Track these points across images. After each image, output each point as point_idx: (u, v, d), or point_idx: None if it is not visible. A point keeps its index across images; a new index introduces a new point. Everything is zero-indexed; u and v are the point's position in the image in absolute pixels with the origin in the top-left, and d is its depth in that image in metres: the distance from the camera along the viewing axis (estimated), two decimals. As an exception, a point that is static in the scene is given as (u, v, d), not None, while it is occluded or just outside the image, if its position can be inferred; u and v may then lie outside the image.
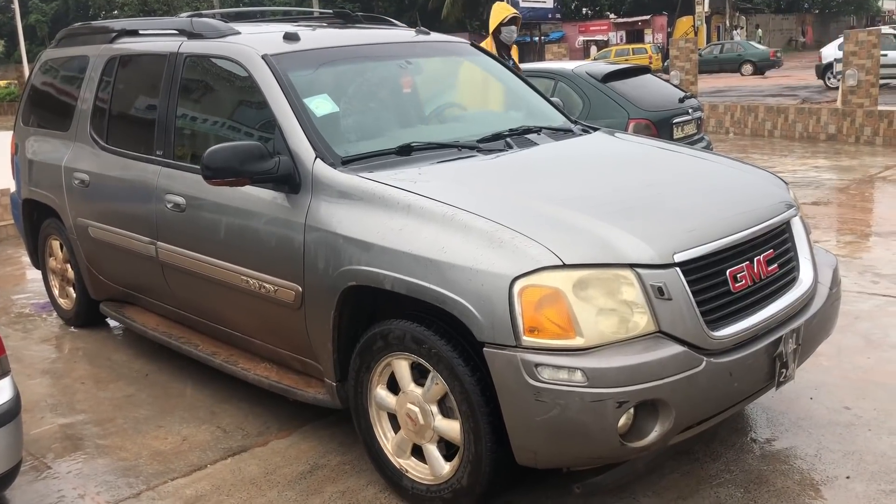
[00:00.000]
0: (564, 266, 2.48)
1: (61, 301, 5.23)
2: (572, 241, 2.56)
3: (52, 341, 5.01)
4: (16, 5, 31.71)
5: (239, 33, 3.78)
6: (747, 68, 32.37)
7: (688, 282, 2.58)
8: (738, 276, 2.76)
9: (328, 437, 3.52)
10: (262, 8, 5.18)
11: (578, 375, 2.41)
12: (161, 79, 3.97)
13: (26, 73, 21.17)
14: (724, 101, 16.42)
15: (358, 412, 3.07)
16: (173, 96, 3.89)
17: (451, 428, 2.76)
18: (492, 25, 6.36)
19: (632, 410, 2.47)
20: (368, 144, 3.35)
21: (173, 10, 45.67)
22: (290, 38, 3.66)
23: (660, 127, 6.86)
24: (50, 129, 4.89)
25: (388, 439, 3.02)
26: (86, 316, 5.03)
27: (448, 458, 2.83)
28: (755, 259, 2.84)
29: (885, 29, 20.55)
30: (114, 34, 4.55)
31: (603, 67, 7.33)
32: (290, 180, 3.15)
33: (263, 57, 3.47)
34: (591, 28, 48.13)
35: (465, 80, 4.35)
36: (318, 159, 3.13)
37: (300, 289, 3.11)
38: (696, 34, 38.27)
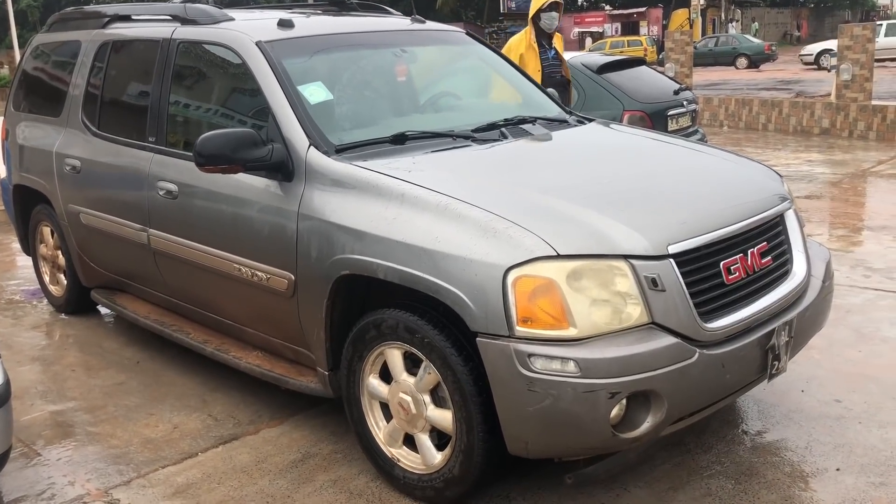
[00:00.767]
0: (558, 256, 2.48)
1: (52, 288, 5.20)
2: (566, 232, 2.55)
3: (42, 328, 4.98)
4: (7, -10, 31.39)
5: (233, 19, 3.75)
6: (742, 61, 32.38)
7: (681, 273, 2.57)
8: (732, 268, 2.75)
9: (320, 426, 3.52)
10: (256, -6, 5.15)
11: (571, 366, 2.41)
12: (154, 65, 3.94)
13: (17, 58, 21.01)
14: (719, 94, 16.42)
15: (350, 401, 3.06)
16: (166, 82, 3.87)
17: (444, 417, 2.76)
18: (531, 11, 5.97)
19: (624, 401, 2.47)
20: (362, 133, 3.33)
21: (167, -4, 45.36)
22: (285, 24, 3.64)
23: (654, 119, 6.86)
24: (41, 115, 4.85)
25: (380, 428, 3.02)
26: (76, 303, 5.01)
27: (440, 447, 2.83)
28: (749, 251, 2.84)
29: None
30: (106, 19, 4.51)
31: (598, 59, 7.32)
32: (283, 168, 3.13)
33: (257, 44, 3.45)
34: (587, 19, 48.03)
35: (460, 69, 4.33)
36: (311, 147, 3.11)
37: (293, 277, 3.09)
38: (691, 27, 38.26)
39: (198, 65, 3.94)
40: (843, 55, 12.00)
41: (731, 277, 2.74)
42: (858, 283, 5.17)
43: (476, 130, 3.41)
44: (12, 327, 4.99)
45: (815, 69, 27.02)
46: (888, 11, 61.89)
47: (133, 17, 4.40)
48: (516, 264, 2.47)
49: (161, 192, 3.73)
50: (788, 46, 46.85)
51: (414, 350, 2.77)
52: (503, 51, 5.80)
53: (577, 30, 46.48)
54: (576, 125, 3.85)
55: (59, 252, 4.95)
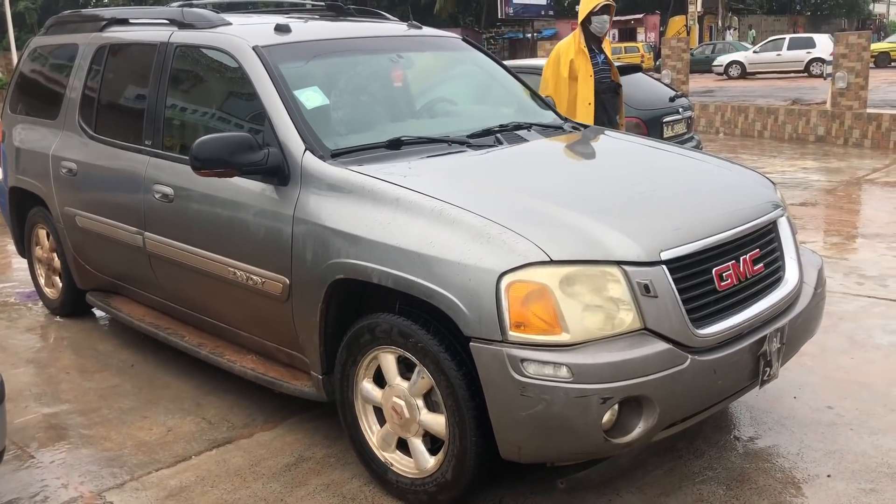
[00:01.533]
0: (552, 262, 2.49)
1: (47, 290, 5.20)
2: (560, 238, 2.57)
3: (37, 331, 4.99)
4: (5, -8, 31.36)
5: (230, 24, 3.76)
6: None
7: (674, 279, 2.59)
8: (724, 274, 2.77)
9: (313, 429, 3.52)
10: (254, 0, 5.17)
11: (564, 371, 2.42)
12: (151, 68, 3.95)
13: (14, 60, 20.99)
14: (715, 101, 16.47)
15: (344, 405, 3.07)
16: (163, 86, 3.88)
17: (437, 422, 2.77)
18: (581, 14, 5.64)
19: (616, 406, 2.48)
20: (358, 138, 3.35)
21: (165, -1, 45.39)
22: (282, 29, 3.65)
23: (650, 125, 6.90)
24: (38, 117, 4.86)
25: (373, 433, 3.02)
26: (72, 305, 5.01)
27: (433, 452, 2.84)
28: (741, 258, 2.86)
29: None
30: (104, 22, 4.52)
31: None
32: (279, 172, 3.14)
33: (254, 48, 3.46)
34: (584, 26, 48.07)
35: (456, 74, 4.35)
36: (307, 152, 3.13)
37: (288, 281, 3.10)
38: (688, 34, 38.37)
39: (195, 69, 3.95)
40: (839, 63, 12.05)
41: (723, 284, 2.76)
42: (852, 290, 5.19)
43: (471, 136, 3.43)
44: (7, 329, 4.99)
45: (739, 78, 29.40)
46: (884, 20, 62.14)
47: (130, 21, 4.42)
48: (510, 269, 2.49)
49: (157, 196, 3.74)
50: (785, 54, 46.94)
51: (408, 354, 2.78)
52: (550, 57, 5.73)
53: (574, 35, 46.53)
54: (571, 131, 3.87)
55: (55, 255, 4.95)
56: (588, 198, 2.93)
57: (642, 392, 2.48)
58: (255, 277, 3.25)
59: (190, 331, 3.97)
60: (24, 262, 5.50)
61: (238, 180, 3.26)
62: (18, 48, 25.03)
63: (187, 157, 3.18)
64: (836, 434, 3.36)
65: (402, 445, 2.95)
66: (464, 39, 4.43)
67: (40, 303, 5.35)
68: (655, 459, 3.18)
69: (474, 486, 2.79)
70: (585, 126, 4.01)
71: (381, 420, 2.99)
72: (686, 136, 7.45)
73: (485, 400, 2.55)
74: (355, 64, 3.84)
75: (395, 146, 3.26)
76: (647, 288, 2.53)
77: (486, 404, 2.55)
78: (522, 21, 43.19)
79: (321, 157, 3.11)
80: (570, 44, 5.67)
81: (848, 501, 2.90)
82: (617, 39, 43.44)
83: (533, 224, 2.62)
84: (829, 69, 12.37)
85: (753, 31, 46.80)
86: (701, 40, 42.23)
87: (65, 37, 4.81)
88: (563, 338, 2.46)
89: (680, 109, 7.46)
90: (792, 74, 28.51)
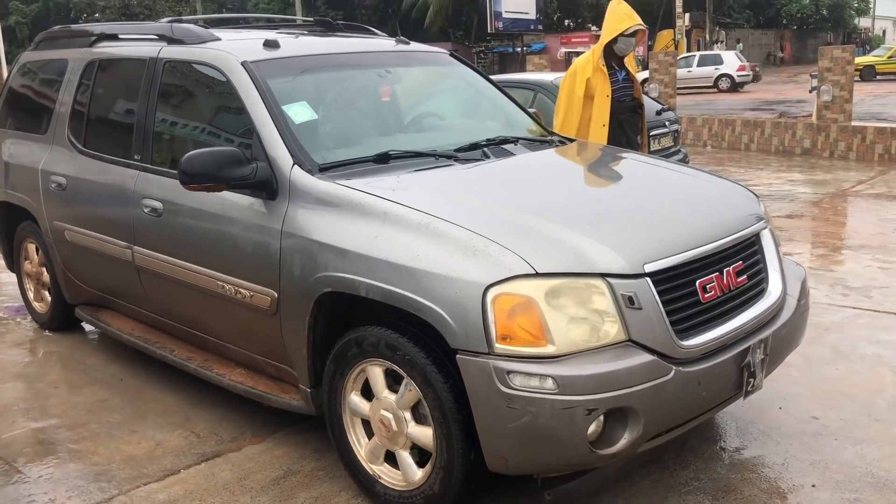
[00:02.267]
0: (537, 275, 2.52)
1: (36, 305, 5.20)
2: (545, 251, 2.60)
3: (25, 345, 4.97)
4: (-5, 6, 31.36)
5: (219, 39, 3.79)
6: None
7: (658, 291, 2.62)
8: (708, 286, 2.80)
9: (302, 442, 3.53)
10: (243, 15, 5.20)
11: (549, 383, 2.44)
12: (140, 83, 3.98)
13: (5, 74, 20.98)
14: (703, 114, 16.59)
15: (332, 418, 3.08)
16: (152, 101, 3.90)
17: (424, 434, 2.78)
18: (610, 32, 5.25)
19: (601, 418, 2.51)
20: (346, 152, 3.38)
21: (155, 14, 45.44)
22: (270, 45, 3.68)
23: (637, 139, 6.92)
24: (27, 132, 4.87)
25: (361, 445, 3.03)
26: (61, 320, 5.00)
27: (421, 464, 2.85)
28: (725, 270, 2.89)
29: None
30: (93, 38, 4.54)
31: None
32: (267, 186, 3.17)
33: (243, 63, 3.49)
34: (573, 39, 48.36)
35: (444, 89, 4.39)
36: (295, 166, 3.15)
37: (276, 295, 3.12)
38: (676, 48, 38.63)
39: (184, 84, 3.97)
40: (824, 77, 12.18)
41: (706, 296, 2.79)
42: (837, 301, 5.24)
43: (459, 150, 3.46)
44: (-5, 344, 4.97)
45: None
46: (869, 34, 62.78)
47: (120, 36, 4.44)
48: (496, 282, 2.51)
49: (146, 210, 3.76)
50: (772, 67, 47.41)
51: (395, 367, 2.80)
52: (567, 73, 5.44)
53: (563, 49, 46.87)
54: (557, 145, 3.91)
55: (44, 269, 4.95)
56: (573, 211, 2.97)
57: (627, 403, 2.50)
58: (243, 291, 3.26)
59: (179, 344, 3.98)
60: (13, 277, 5.49)
61: (227, 194, 3.28)
62: (9, 62, 24.98)
63: (176, 172, 3.20)
64: (821, 444, 3.39)
65: (390, 458, 2.96)
66: (451, 54, 4.47)
67: (29, 317, 5.34)
68: (642, 470, 3.20)
69: (462, 499, 2.80)
70: (571, 139, 4.05)
71: (369, 433, 3.01)
72: (673, 150, 7.52)
73: (472, 412, 2.57)
74: (343, 79, 3.88)
75: (383, 160, 3.29)
76: (631, 300, 2.56)
77: (473, 416, 2.57)
78: (512, 35, 43.39)
79: (309, 172, 3.14)
80: (588, 60, 5.34)
81: (832, 511, 2.93)
82: (606, 53, 43.65)
83: (519, 237, 2.65)
84: (814, 82, 12.48)
85: (741, 44, 47.19)
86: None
87: (54, 52, 4.82)
88: (549, 350, 2.49)
89: (666, 123, 7.53)
90: (704, 90, 29.97)
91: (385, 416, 2.88)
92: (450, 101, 4.40)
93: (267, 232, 3.15)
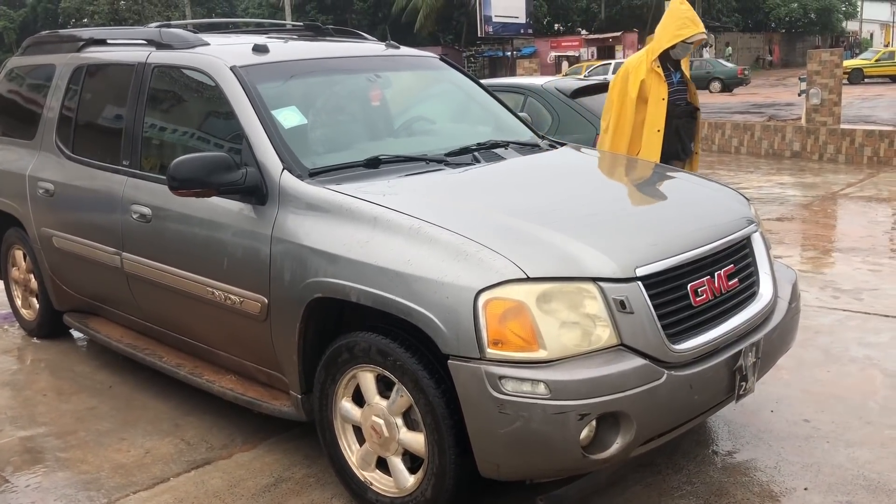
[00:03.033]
0: (528, 279, 2.51)
1: (24, 312, 5.15)
2: (536, 255, 2.59)
3: (13, 352, 4.93)
4: (-17, 11, 31.24)
5: (208, 44, 3.77)
6: (715, 85, 32.95)
7: (649, 295, 2.61)
8: (699, 290, 2.80)
9: (293, 449, 3.51)
10: (233, 20, 5.18)
11: (541, 388, 2.43)
12: (128, 88, 3.95)
13: (-7, 80, 20.86)
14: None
15: (323, 425, 3.06)
16: (141, 106, 3.88)
17: (416, 440, 2.77)
18: (671, 38, 4.96)
19: (594, 423, 2.50)
20: (336, 157, 3.36)
21: (144, 19, 45.35)
22: (259, 49, 3.67)
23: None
24: (14, 138, 4.84)
25: (352, 452, 3.02)
26: (49, 327, 4.96)
27: (412, 470, 2.84)
28: (716, 274, 2.89)
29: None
30: (81, 43, 4.51)
31: (572, 83, 7.40)
32: (256, 192, 3.15)
33: (232, 68, 3.47)
34: (563, 44, 48.59)
35: (434, 94, 4.38)
36: (285, 171, 3.14)
37: (266, 300, 3.10)
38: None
39: (172, 89, 3.95)
40: (812, 80, 12.24)
41: (698, 299, 2.79)
42: (827, 304, 5.25)
43: (449, 154, 3.45)
44: (-18, 352, 4.93)
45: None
46: (857, 37, 63.22)
47: (108, 41, 4.41)
48: (487, 287, 2.50)
49: (135, 216, 3.73)
50: (761, 71, 47.69)
51: (386, 373, 2.78)
52: (618, 74, 5.16)
53: (553, 54, 47.02)
54: (548, 149, 3.91)
55: (32, 276, 4.91)
56: (564, 215, 2.96)
57: (619, 408, 2.49)
58: (233, 297, 3.24)
59: (168, 351, 3.95)
60: (0, 284, 5.44)
61: (216, 200, 3.26)
62: (-4, 68, 24.79)
63: (165, 178, 3.17)
64: (813, 447, 3.39)
65: (382, 464, 2.94)
66: (441, 58, 4.46)
67: (17, 324, 5.29)
68: (634, 475, 3.19)
69: (454, 505, 2.78)
70: (562, 143, 4.05)
71: (361, 439, 2.99)
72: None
73: (463, 418, 2.56)
74: (333, 83, 3.86)
75: (374, 165, 3.28)
76: (622, 304, 2.55)
77: (465, 422, 2.56)
78: (502, 39, 43.52)
79: (299, 177, 3.12)
80: (642, 61, 5.07)
81: (825, 514, 2.93)
82: (595, 57, 43.91)
83: (510, 241, 2.64)
84: (803, 86, 12.53)
85: (730, 48, 47.46)
86: (678, 57, 42.61)
87: (42, 57, 4.79)
88: (541, 354, 2.48)
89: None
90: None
91: (376, 423, 2.86)
92: (440, 106, 4.39)
93: (257, 237, 3.13)
